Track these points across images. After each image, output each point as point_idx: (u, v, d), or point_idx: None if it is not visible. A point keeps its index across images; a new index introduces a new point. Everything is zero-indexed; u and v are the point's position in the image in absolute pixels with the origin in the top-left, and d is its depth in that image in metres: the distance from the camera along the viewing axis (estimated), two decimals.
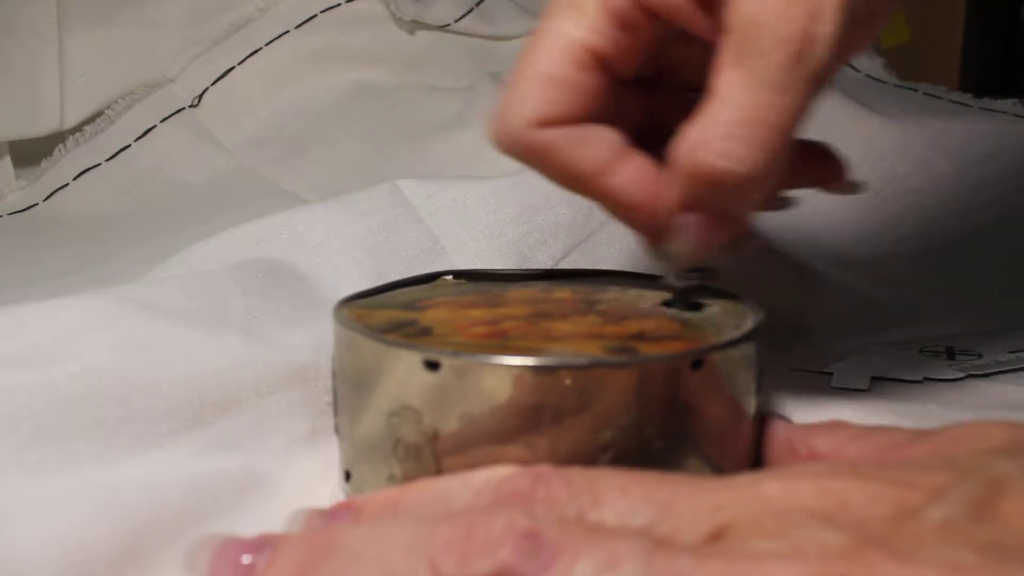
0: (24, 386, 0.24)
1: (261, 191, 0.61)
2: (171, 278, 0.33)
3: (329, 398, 0.29)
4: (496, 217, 0.39)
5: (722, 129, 0.25)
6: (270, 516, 0.24)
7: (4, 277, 0.48)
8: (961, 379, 0.35)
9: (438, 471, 0.24)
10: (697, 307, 0.29)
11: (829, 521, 0.18)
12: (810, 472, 0.20)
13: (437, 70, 0.68)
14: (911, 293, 0.45)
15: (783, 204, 0.33)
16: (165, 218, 0.58)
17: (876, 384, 0.34)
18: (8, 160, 0.64)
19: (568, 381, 0.23)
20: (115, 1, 0.67)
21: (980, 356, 0.37)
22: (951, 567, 0.17)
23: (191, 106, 0.67)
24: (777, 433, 0.27)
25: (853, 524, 0.18)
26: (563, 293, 0.30)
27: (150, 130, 0.65)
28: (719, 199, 0.26)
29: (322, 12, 0.69)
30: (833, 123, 0.55)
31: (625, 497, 0.20)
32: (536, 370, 0.23)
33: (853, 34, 0.25)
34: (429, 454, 0.24)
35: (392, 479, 0.25)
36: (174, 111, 0.66)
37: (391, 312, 0.28)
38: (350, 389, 0.26)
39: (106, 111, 0.66)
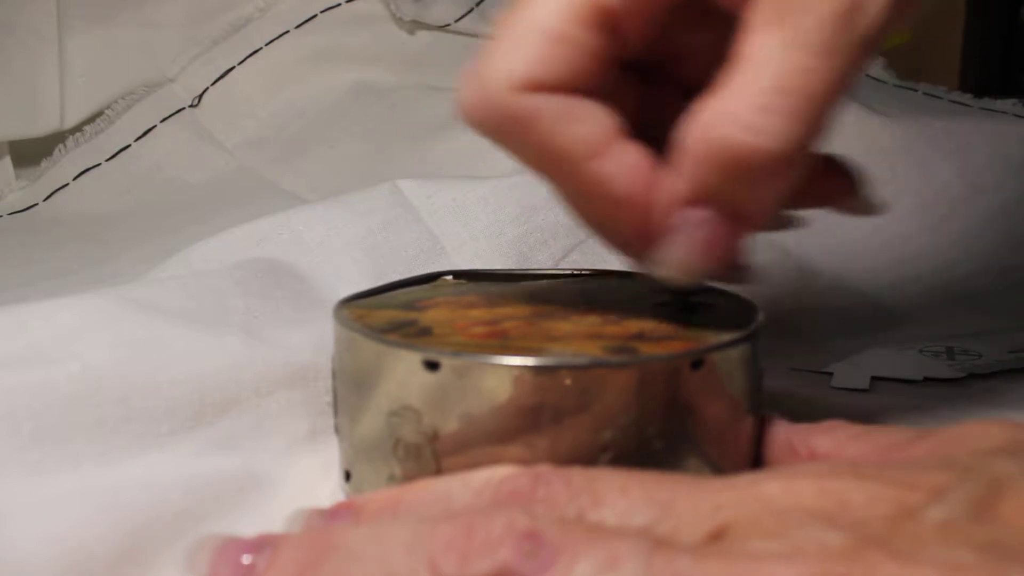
0: (24, 386, 0.24)
1: (261, 191, 0.61)
2: (171, 278, 0.33)
3: (329, 398, 0.29)
4: (496, 217, 0.39)
5: (755, 99, 0.21)
6: (270, 516, 0.24)
7: (4, 277, 0.48)
8: (961, 379, 0.35)
9: (438, 471, 0.24)
10: (697, 307, 0.29)
11: (829, 521, 0.18)
12: (810, 472, 0.20)
13: (437, 70, 0.68)
14: (911, 293, 0.45)
15: (788, 223, 0.29)
16: (165, 218, 0.58)
17: (876, 384, 0.34)
18: (8, 160, 0.64)
19: (568, 381, 0.23)
20: (115, 1, 0.67)
21: (980, 356, 0.37)
22: (951, 567, 0.17)
23: (191, 106, 0.67)
24: (777, 433, 0.27)
25: (853, 524, 0.18)
26: (563, 293, 0.30)
27: (150, 130, 0.65)
28: (740, 188, 0.22)
29: (322, 12, 0.69)
30: (833, 123, 0.55)
31: (625, 497, 0.20)
32: (536, 370, 0.23)
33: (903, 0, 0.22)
34: (429, 454, 0.24)
35: (392, 479, 0.25)
36: (174, 111, 0.66)
37: (391, 312, 0.28)
38: (350, 389, 0.26)
39: (106, 111, 0.66)
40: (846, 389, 0.34)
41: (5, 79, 0.64)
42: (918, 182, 0.53)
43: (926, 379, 0.35)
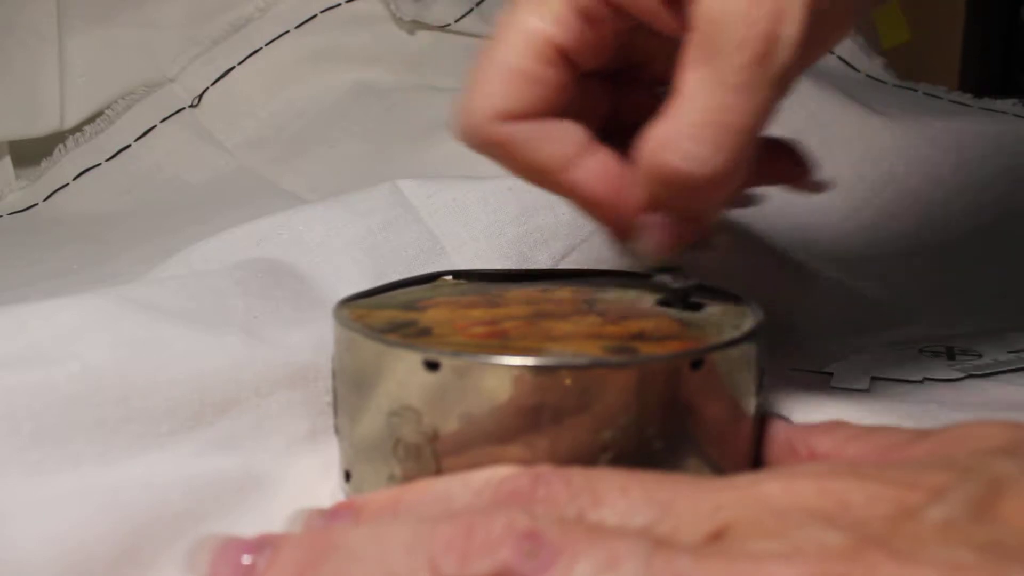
0: (24, 386, 0.24)
1: (261, 191, 0.62)
2: (171, 278, 0.33)
3: (329, 398, 0.29)
4: (496, 217, 0.39)
5: (685, 129, 0.24)
6: (270, 516, 0.24)
7: (4, 277, 0.48)
8: (961, 379, 0.35)
9: (438, 471, 0.24)
10: (697, 307, 0.29)
11: (829, 521, 0.18)
12: (810, 472, 0.20)
13: (437, 70, 0.68)
14: (911, 293, 0.45)
15: (748, 201, 0.33)
16: (165, 218, 0.58)
17: (876, 384, 0.34)
18: (8, 160, 0.64)
19: (568, 381, 0.23)
20: (115, 1, 0.67)
21: (980, 356, 0.37)
22: (951, 567, 0.17)
23: (191, 106, 0.67)
24: (777, 433, 0.27)
25: (853, 524, 0.18)
26: (563, 293, 0.30)
27: (150, 130, 0.65)
28: (682, 200, 0.26)
29: (322, 12, 0.69)
30: (833, 123, 0.55)
31: (625, 497, 0.20)
32: (536, 370, 0.23)
33: (818, 36, 0.25)
34: (429, 454, 0.24)
35: (392, 479, 0.25)
36: (174, 111, 0.66)
37: (391, 312, 0.28)
38: (350, 389, 0.26)
39: (106, 111, 0.66)
40: (846, 389, 0.34)
41: (5, 79, 0.64)
42: (918, 182, 0.53)
43: (926, 379, 0.35)
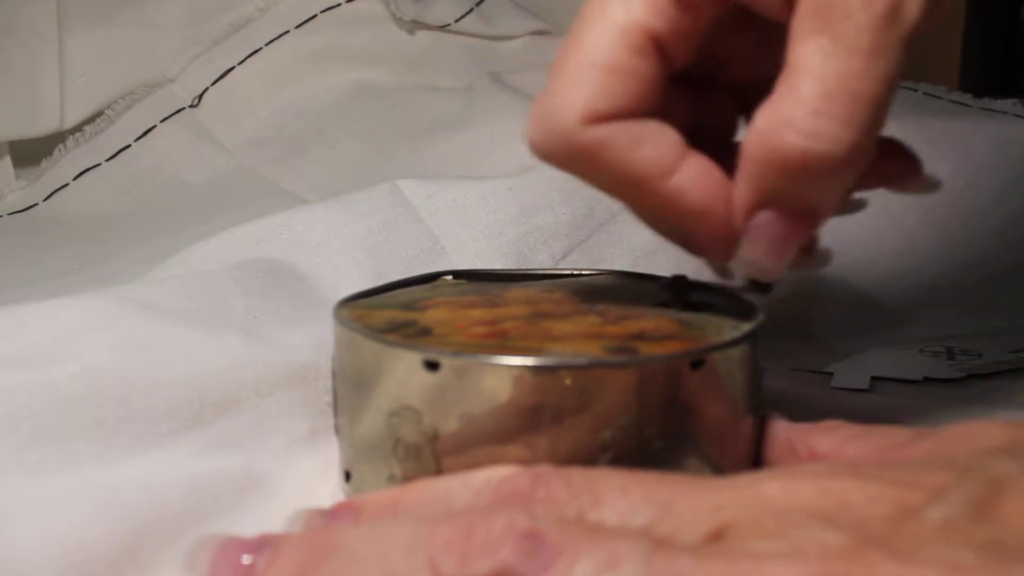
0: (24, 386, 0.24)
1: (261, 191, 0.61)
2: (171, 278, 0.33)
3: (329, 398, 0.29)
4: (496, 217, 0.39)
5: (808, 104, 0.22)
6: (270, 516, 0.24)
7: (4, 277, 0.48)
8: (961, 379, 0.35)
9: (438, 471, 0.24)
10: (697, 307, 0.29)
11: (829, 521, 0.18)
12: (810, 472, 0.20)
13: (437, 70, 0.68)
14: (911, 293, 0.45)
15: (856, 206, 0.30)
16: (165, 218, 0.58)
17: (876, 384, 0.34)
18: (8, 160, 0.64)
19: (568, 381, 0.23)
20: (115, 1, 0.67)
21: (980, 356, 0.37)
22: (951, 567, 0.17)
23: (191, 106, 0.67)
24: (777, 433, 0.27)
25: (853, 524, 0.18)
26: (563, 293, 0.30)
27: (150, 130, 0.65)
28: (803, 190, 0.23)
29: (322, 12, 0.69)
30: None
31: (625, 497, 0.20)
32: (536, 370, 0.23)
33: None
34: (429, 454, 0.24)
35: (392, 479, 0.25)
36: (174, 111, 0.66)
37: (391, 312, 0.28)
38: (350, 389, 0.26)
39: (106, 111, 0.66)
40: (846, 389, 0.34)
41: (5, 79, 0.64)
42: None
43: (926, 379, 0.35)
